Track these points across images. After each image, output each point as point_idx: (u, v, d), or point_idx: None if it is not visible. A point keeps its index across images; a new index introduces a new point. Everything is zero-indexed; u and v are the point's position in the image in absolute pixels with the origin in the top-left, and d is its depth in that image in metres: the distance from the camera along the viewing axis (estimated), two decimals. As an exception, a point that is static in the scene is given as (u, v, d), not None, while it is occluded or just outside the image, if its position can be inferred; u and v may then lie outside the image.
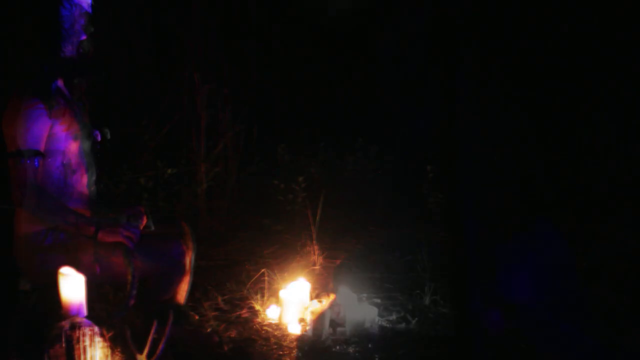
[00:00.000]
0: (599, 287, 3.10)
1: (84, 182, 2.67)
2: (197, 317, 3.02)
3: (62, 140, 2.56)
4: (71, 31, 2.56)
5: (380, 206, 4.38)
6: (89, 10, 2.60)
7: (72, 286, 2.37)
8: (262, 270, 3.39)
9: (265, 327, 3.02)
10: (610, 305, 2.92)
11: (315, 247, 3.68)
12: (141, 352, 2.46)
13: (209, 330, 2.95)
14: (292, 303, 3.03)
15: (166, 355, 2.52)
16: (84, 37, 2.60)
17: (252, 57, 4.73)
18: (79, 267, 2.43)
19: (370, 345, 2.84)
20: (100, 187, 2.79)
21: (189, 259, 2.78)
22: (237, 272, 3.64)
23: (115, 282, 2.73)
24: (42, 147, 2.49)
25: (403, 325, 3.03)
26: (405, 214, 4.01)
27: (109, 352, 2.42)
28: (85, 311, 2.39)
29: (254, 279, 3.39)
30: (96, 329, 2.37)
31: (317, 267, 3.63)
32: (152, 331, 2.49)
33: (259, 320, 3.09)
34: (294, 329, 2.96)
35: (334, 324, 3.00)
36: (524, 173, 4.08)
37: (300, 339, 2.90)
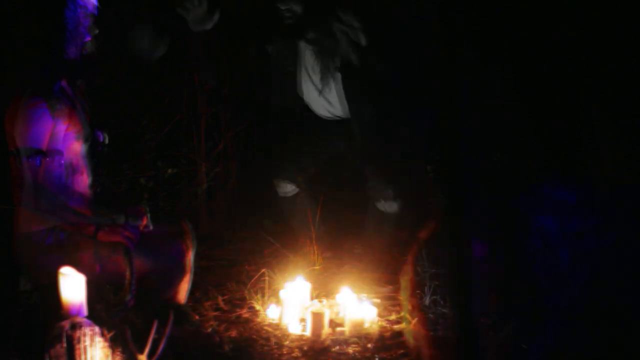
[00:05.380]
0: (599, 287, 3.10)
1: (84, 182, 2.68)
2: (197, 317, 3.02)
3: (65, 140, 2.57)
4: (75, 32, 2.57)
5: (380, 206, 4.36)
6: (94, 12, 2.61)
7: (72, 286, 2.37)
8: (262, 270, 3.39)
9: (265, 327, 3.02)
10: (611, 305, 2.91)
11: (315, 247, 3.68)
12: (141, 352, 2.46)
13: (209, 330, 2.95)
14: (292, 303, 3.03)
15: (166, 355, 2.52)
16: (88, 39, 2.61)
17: (252, 57, 4.72)
18: (79, 267, 2.43)
19: (370, 345, 2.84)
20: (97, 189, 2.79)
21: (189, 259, 2.78)
22: (237, 272, 3.64)
23: (116, 282, 2.73)
24: (43, 146, 2.50)
25: (403, 325, 3.03)
26: (406, 214, 4.00)
27: (109, 352, 2.42)
28: (85, 311, 2.39)
29: (254, 279, 3.38)
30: (96, 329, 2.37)
31: (317, 267, 3.63)
32: (153, 331, 2.49)
33: (259, 320, 3.09)
34: (294, 329, 2.96)
35: (333, 324, 3.00)
36: (524, 172, 4.08)
37: (300, 339, 2.90)
